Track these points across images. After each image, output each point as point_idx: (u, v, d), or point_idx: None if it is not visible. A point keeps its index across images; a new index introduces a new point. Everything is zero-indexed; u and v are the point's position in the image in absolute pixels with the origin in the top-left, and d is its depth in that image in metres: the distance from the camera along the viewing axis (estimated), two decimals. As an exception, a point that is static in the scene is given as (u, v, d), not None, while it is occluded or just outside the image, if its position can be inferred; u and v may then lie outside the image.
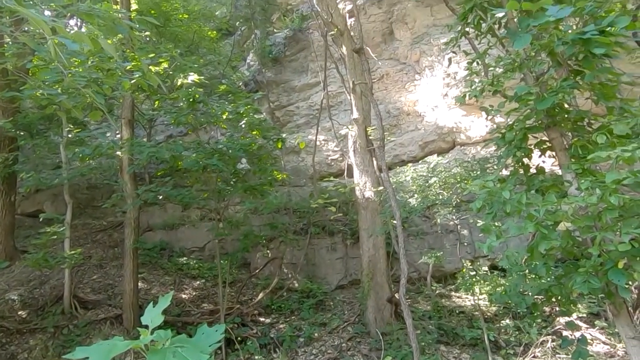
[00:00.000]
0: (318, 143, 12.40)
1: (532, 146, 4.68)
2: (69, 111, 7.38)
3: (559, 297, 4.36)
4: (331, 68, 12.39)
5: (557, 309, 7.55)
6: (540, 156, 4.79)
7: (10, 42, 8.43)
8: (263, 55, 13.78)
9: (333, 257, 10.49)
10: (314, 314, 8.99)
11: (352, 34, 9.89)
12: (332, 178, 12.49)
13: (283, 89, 14.33)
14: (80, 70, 5.55)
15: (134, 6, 10.87)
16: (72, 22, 12.46)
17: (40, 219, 8.59)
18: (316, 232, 10.58)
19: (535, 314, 5.54)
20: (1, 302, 8.08)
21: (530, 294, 4.89)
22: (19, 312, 7.97)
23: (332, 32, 9.54)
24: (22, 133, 9.87)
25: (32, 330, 7.58)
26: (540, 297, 4.74)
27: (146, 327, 1.70)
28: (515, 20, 4.34)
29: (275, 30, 14.93)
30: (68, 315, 8.09)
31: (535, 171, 4.78)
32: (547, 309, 7.38)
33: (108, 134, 11.48)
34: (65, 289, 8.37)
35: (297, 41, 14.30)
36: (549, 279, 4.66)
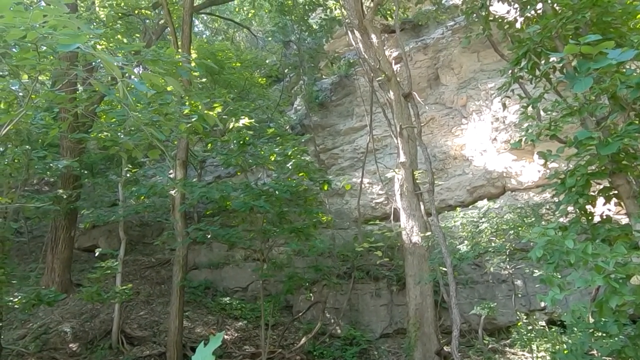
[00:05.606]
0: (363, 186, 12.37)
1: (596, 193, 4.44)
2: (129, 151, 7.85)
3: (634, 360, 3.95)
4: (376, 112, 12.55)
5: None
6: (604, 204, 4.52)
7: (82, 89, 9.21)
8: (310, 100, 14.21)
9: (377, 303, 10.15)
10: (357, 363, 8.64)
11: (398, 79, 10.05)
12: (376, 222, 12.32)
13: (328, 133, 14.61)
14: (140, 115, 5.92)
15: (192, 55, 11.65)
16: (136, 70, 13.51)
17: (96, 254, 8.96)
18: (360, 276, 10.34)
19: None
20: (54, 333, 8.37)
21: (598, 354, 4.46)
22: (70, 345, 8.19)
23: (379, 78, 9.73)
24: (85, 172, 10.55)
25: (81, 363, 7.76)
26: (610, 358, 4.32)
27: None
28: (573, 64, 4.25)
29: (322, 77, 15.45)
30: (115, 351, 8.23)
31: (599, 219, 4.50)
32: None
33: (160, 178, 12.04)
34: (114, 323, 8.57)
35: (343, 87, 14.69)
36: (620, 338, 4.26)
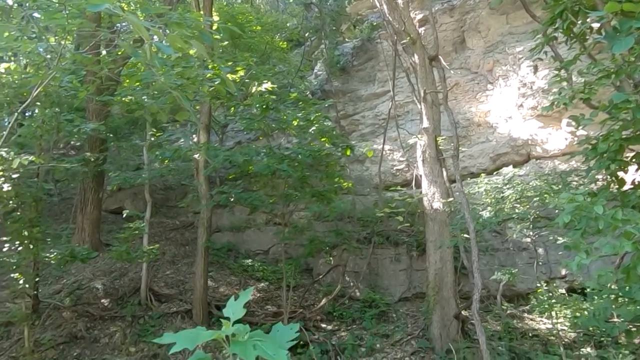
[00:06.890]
0: (384, 153, 12.30)
1: (629, 159, 4.33)
2: (154, 115, 7.93)
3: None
4: (399, 77, 12.29)
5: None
6: (637, 170, 4.42)
7: (105, 52, 9.26)
8: (331, 65, 13.98)
9: (397, 268, 10.30)
10: (376, 324, 8.86)
11: (423, 42, 9.76)
12: (397, 188, 12.31)
13: (349, 98, 14.42)
14: (164, 79, 5.94)
15: (214, 17, 11.50)
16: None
17: (123, 215, 9.26)
18: (380, 241, 10.45)
19: (627, 343, 5.05)
20: (87, 289, 8.81)
21: (621, 319, 4.48)
22: (102, 300, 8.62)
23: (404, 41, 9.47)
24: (110, 135, 10.75)
25: (113, 317, 8.18)
26: (634, 324, 4.34)
27: (227, 319, 1.68)
28: (613, 23, 4.06)
29: (344, 40, 15.11)
30: (144, 307, 8.64)
31: (630, 186, 4.41)
32: (637, 340, 6.71)
33: (182, 141, 12.19)
34: (142, 281, 8.95)
35: (365, 51, 14.35)
36: (644, 305, 4.26)
